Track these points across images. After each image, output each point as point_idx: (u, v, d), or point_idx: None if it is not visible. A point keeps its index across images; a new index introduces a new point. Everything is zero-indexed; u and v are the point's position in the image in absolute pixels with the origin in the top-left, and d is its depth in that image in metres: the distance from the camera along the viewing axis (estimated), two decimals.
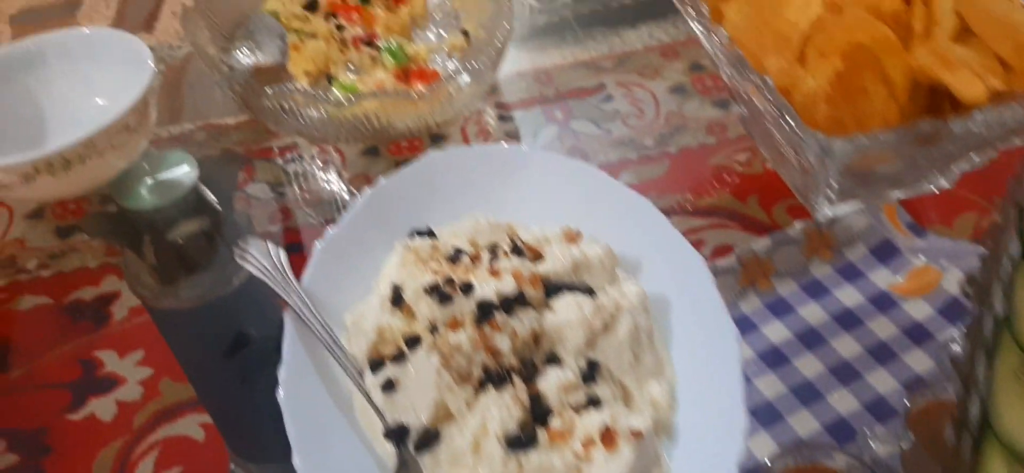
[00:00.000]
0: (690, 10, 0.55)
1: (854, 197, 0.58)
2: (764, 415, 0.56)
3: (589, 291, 0.51)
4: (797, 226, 0.63)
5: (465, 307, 0.48)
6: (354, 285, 0.55)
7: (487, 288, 0.48)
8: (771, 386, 0.57)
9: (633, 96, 0.82)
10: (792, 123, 0.46)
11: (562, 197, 0.58)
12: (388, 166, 0.71)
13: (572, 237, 0.55)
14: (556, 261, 0.52)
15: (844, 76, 0.47)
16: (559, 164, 0.60)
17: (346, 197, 0.68)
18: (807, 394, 0.56)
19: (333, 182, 0.69)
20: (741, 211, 0.69)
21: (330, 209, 0.68)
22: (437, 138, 0.75)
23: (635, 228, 0.56)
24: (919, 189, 0.61)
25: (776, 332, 0.60)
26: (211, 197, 0.61)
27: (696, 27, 0.55)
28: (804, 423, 0.55)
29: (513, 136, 0.78)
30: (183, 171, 0.59)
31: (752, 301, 0.61)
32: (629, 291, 0.51)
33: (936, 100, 0.50)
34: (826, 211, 0.59)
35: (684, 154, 0.75)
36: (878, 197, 0.59)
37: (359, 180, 0.71)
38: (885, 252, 0.64)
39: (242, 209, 0.70)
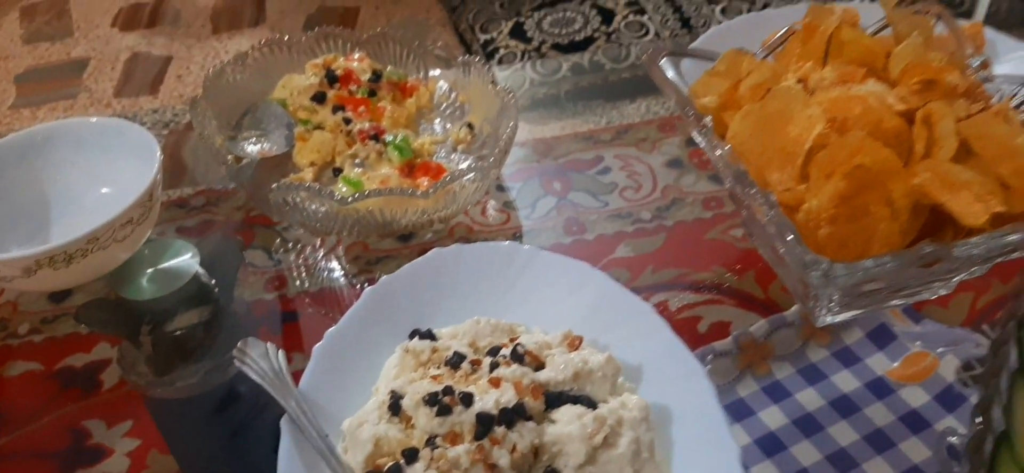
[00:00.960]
0: (693, 121, 0.56)
1: (854, 308, 0.58)
2: None
3: (590, 402, 0.51)
4: (794, 309, 0.63)
5: (464, 419, 0.47)
6: (354, 387, 0.54)
7: (487, 399, 0.48)
8: None
9: (630, 169, 0.82)
10: (795, 244, 0.46)
11: (565, 299, 0.58)
12: (395, 257, 0.71)
13: (573, 343, 0.54)
14: (557, 369, 0.52)
15: (846, 196, 0.48)
16: (563, 265, 0.60)
17: (348, 288, 0.68)
18: None
19: (336, 272, 0.69)
20: (738, 287, 0.69)
21: (332, 301, 0.68)
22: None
23: (637, 334, 0.56)
24: (919, 297, 0.61)
25: (773, 418, 0.60)
26: (211, 285, 0.61)
27: (699, 139, 0.56)
28: None
29: (510, 207, 0.78)
30: (184, 259, 0.59)
31: (749, 385, 0.61)
32: (631, 403, 0.51)
33: (937, 218, 0.50)
34: (826, 319, 0.59)
35: (680, 227, 0.75)
36: (878, 305, 0.59)
37: (365, 269, 0.71)
38: (881, 337, 0.64)
39: (242, 292, 0.70)
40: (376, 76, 0.74)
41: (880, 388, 0.61)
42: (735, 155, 0.54)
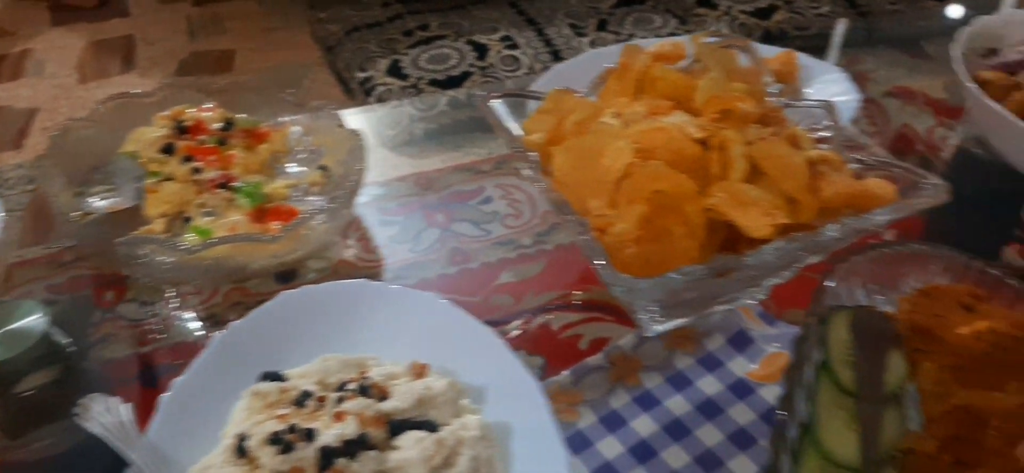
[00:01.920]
0: (520, 156, 0.60)
1: (677, 316, 0.64)
2: None
3: (433, 427, 0.54)
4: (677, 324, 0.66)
5: (307, 454, 0.50)
6: (204, 435, 0.55)
7: (330, 433, 0.50)
8: None
9: (511, 197, 0.85)
10: (604, 265, 0.51)
11: (413, 329, 0.61)
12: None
13: (419, 371, 0.57)
14: (402, 398, 0.55)
15: (649, 219, 0.53)
16: (411, 298, 0.63)
17: (208, 338, 0.69)
18: None
19: (190, 324, 0.70)
20: (615, 304, 0.72)
21: (194, 351, 0.68)
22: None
23: (481, 357, 0.59)
24: (737, 302, 0.67)
25: (644, 426, 0.62)
26: (62, 344, 0.60)
27: (527, 173, 0.60)
28: None
29: (395, 241, 0.80)
30: (33, 319, 0.59)
31: (621, 397, 0.64)
32: (471, 423, 0.54)
33: (735, 234, 0.55)
34: (655, 328, 0.64)
35: (560, 251, 0.79)
36: (700, 312, 0.65)
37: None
38: (741, 341, 0.68)
39: (103, 348, 0.70)
40: (227, 125, 0.75)
41: (741, 389, 0.65)
42: (557, 187, 0.58)
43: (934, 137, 0.96)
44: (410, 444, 0.52)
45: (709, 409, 0.64)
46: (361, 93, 1.86)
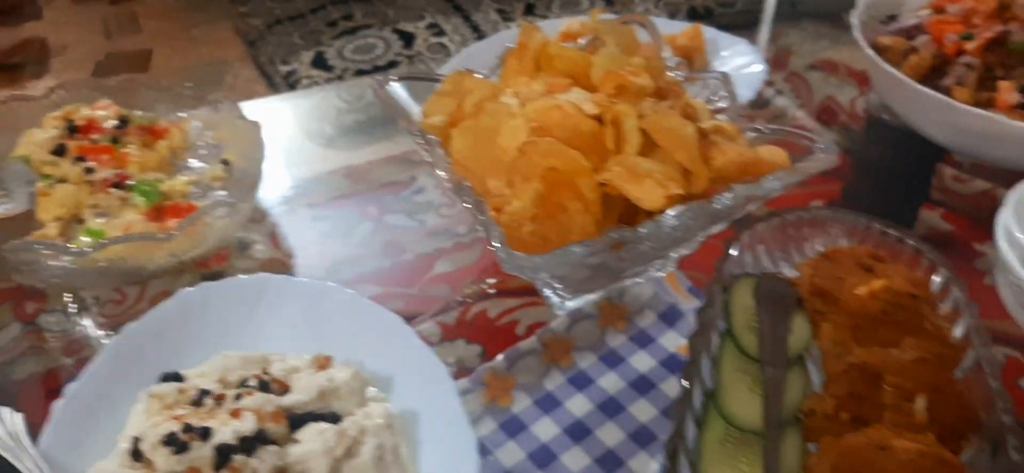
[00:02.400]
0: (420, 141, 0.59)
1: (585, 291, 0.64)
2: None
3: (335, 418, 0.53)
4: (591, 300, 0.66)
5: (203, 453, 0.48)
6: (102, 441, 0.54)
7: (226, 431, 0.49)
8: (577, 459, 0.59)
9: (445, 186, 0.84)
10: (500, 245, 0.50)
11: (318, 322, 0.60)
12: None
13: (322, 364, 0.56)
14: (303, 391, 0.54)
15: (544, 197, 0.53)
16: (316, 290, 0.62)
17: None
18: (611, 463, 0.58)
19: (90, 329, 0.68)
20: None
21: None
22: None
23: (388, 346, 0.58)
24: (645, 275, 0.67)
25: (579, 405, 0.62)
26: None
27: (427, 156, 0.59)
28: None
29: (327, 236, 0.79)
30: None
31: (556, 378, 0.63)
32: (375, 412, 0.53)
33: (633, 207, 0.56)
34: (567, 304, 0.64)
35: None
36: (607, 287, 0.65)
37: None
38: (671, 316, 0.68)
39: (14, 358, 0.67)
40: (122, 122, 0.73)
41: (674, 364, 0.65)
42: (457, 169, 0.58)
43: (857, 108, 0.98)
44: (311, 437, 0.51)
45: (642, 385, 0.64)
46: (285, 87, 1.83)
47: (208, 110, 0.76)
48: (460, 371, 0.63)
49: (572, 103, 0.57)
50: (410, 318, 0.67)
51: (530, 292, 0.70)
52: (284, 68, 1.86)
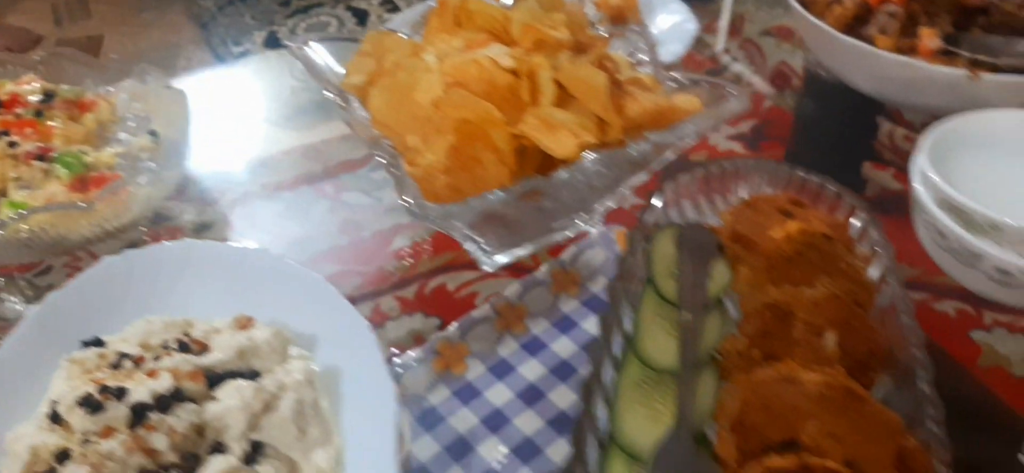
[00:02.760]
0: (337, 98, 0.59)
1: (512, 246, 0.64)
2: (525, 451, 0.57)
3: (255, 375, 0.53)
4: (544, 268, 0.66)
5: (118, 413, 0.49)
6: (23, 408, 0.54)
7: (141, 390, 0.49)
8: (529, 422, 0.59)
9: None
10: (409, 197, 0.51)
11: (242, 286, 0.60)
12: None
13: (243, 324, 0.57)
14: (222, 350, 0.54)
15: (457, 149, 0.53)
16: (236, 254, 0.62)
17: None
18: (563, 424, 0.59)
19: (16, 303, 0.67)
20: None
21: None
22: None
23: (311, 305, 0.59)
24: (574, 229, 0.68)
25: (532, 370, 0.63)
26: None
27: (345, 117, 0.59)
28: (561, 451, 0.58)
29: (284, 216, 0.78)
30: None
31: (509, 345, 0.64)
32: (295, 368, 0.54)
33: (551, 159, 0.56)
34: (495, 259, 0.65)
35: None
36: (534, 243, 0.66)
37: None
38: None
39: None
40: (47, 96, 0.72)
41: None
42: (376, 127, 0.58)
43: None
44: (229, 394, 0.51)
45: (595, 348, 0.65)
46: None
47: (134, 81, 0.76)
48: (418, 343, 0.63)
49: (489, 58, 0.58)
50: (369, 295, 0.68)
51: None
52: (237, 49, 1.85)
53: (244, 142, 0.90)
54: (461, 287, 0.69)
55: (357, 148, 0.86)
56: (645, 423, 0.52)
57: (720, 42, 1.02)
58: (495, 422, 0.59)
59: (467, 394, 0.61)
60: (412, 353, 0.60)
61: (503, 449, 0.57)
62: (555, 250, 0.68)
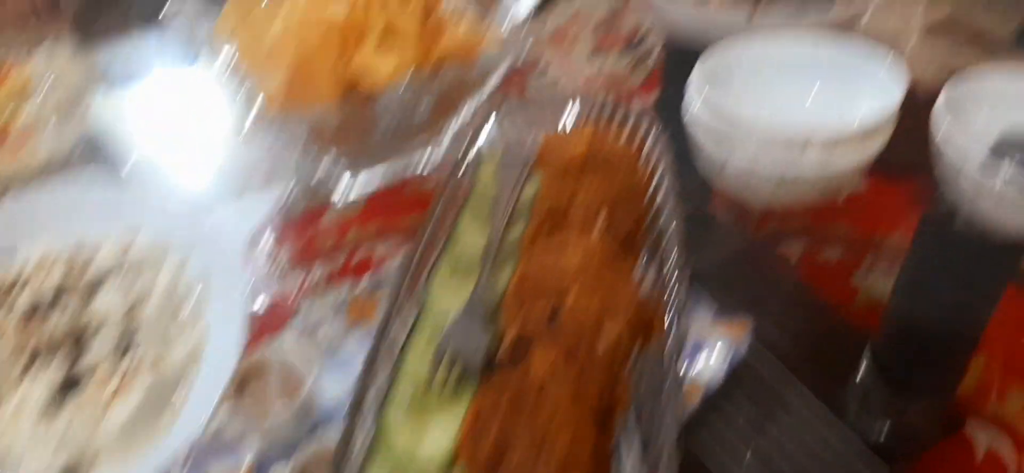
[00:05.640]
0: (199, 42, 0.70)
1: (362, 168, 0.75)
2: None
3: (133, 276, 0.64)
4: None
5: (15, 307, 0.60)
6: None
7: (25, 295, 0.61)
8: None
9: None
10: (249, 119, 0.62)
11: (132, 209, 0.70)
12: None
13: (125, 241, 0.68)
14: (106, 259, 0.65)
15: (291, 81, 0.64)
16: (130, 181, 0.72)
17: None
18: None
19: None
20: None
21: None
22: None
23: (194, 221, 0.69)
24: (423, 156, 0.78)
25: None
26: None
27: (211, 62, 0.70)
28: None
29: None
30: None
31: None
32: (168, 268, 0.65)
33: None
34: (350, 182, 0.76)
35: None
36: (384, 165, 0.76)
37: None
38: None
39: None
40: None
41: None
42: (242, 63, 0.69)
43: None
44: (107, 291, 0.62)
45: None
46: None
47: (46, 53, 0.86)
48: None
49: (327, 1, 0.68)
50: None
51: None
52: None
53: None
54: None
55: None
56: (454, 300, 0.63)
57: None
58: None
59: None
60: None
61: None
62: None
